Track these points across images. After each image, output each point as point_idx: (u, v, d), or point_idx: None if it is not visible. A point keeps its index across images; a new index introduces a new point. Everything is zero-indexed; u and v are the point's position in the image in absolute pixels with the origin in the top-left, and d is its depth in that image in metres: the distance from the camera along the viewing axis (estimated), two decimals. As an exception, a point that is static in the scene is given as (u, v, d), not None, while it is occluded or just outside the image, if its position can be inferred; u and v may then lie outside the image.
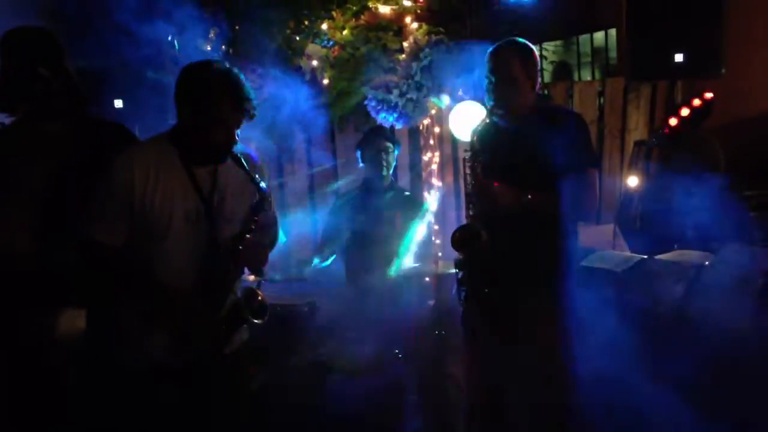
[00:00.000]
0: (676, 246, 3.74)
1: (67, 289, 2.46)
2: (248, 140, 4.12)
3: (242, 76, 2.35)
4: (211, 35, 4.43)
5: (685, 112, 4.87)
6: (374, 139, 4.15)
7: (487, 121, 2.85)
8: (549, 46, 9.79)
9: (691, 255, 3.13)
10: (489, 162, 2.80)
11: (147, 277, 2.33)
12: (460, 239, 2.85)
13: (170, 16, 3.89)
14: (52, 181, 2.47)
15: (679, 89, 5.42)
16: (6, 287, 2.46)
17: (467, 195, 2.90)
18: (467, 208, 2.90)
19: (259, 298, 2.45)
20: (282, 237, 3.02)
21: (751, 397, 2.63)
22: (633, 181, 4.85)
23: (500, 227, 2.73)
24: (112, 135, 2.59)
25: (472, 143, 2.85)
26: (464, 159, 2.92)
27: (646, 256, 3.16)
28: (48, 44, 2.50)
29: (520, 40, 2.90)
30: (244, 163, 2.35)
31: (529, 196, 2.71)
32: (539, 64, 2.91)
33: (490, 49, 2.88)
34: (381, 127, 4.50)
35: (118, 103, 3.41)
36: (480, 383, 3.06)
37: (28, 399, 2.45)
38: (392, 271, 3.82)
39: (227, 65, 2.37)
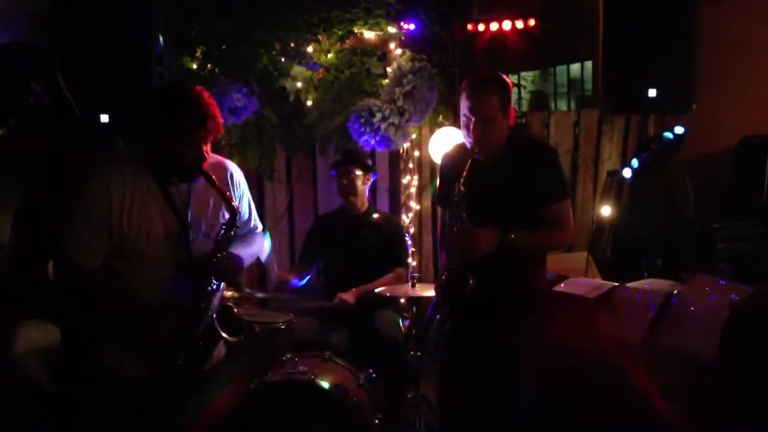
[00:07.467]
0: (645, 275, 3.83)
1: (44, 304, 2.48)
2: (229, 157, 4.19)
3: (205, 96, 2.40)
4: (198, 54, 4.49)
5: (656, 144, 5.00)
6: (345, 164, 4.11)
7: (464, 157, 2.79)
8: (527, 75, 10.00)
9: (661, 284, 3.22)
10: (470, 200, 2.74)
11: (124, 294, 2.36)
12: (447, 287, 2.75)
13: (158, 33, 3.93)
14: (34, 196, 2.50)
15: (652, 123, 5.58)
16: None
17: (445, 236, 2.82)
18: (444, 247, 2.84)
19: (236, 315, 2.49)
20: (268, 247, 3.07)
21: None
22: (605, 210, 4.96)
23: (477, 261, 2.76)
24: (96, 151, 2.63)
25: (442, 174, 2.85)
26: (442, 201, 2.92)
27: (617, 284, 3.25)
28: (42, 59, 2.55)
29: (497, 75, 2.85)
30: (215, 181, 2.40)
31: (512, 236, 2.71)
32: (512, 96, 2.91)
33: (468, 84, 2.81)
34: (352, 153, 4.31)
35: (104, 118, 3.42)
36: (447, 406, 3.13)
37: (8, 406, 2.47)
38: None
39: (190, 86, 2.42)
